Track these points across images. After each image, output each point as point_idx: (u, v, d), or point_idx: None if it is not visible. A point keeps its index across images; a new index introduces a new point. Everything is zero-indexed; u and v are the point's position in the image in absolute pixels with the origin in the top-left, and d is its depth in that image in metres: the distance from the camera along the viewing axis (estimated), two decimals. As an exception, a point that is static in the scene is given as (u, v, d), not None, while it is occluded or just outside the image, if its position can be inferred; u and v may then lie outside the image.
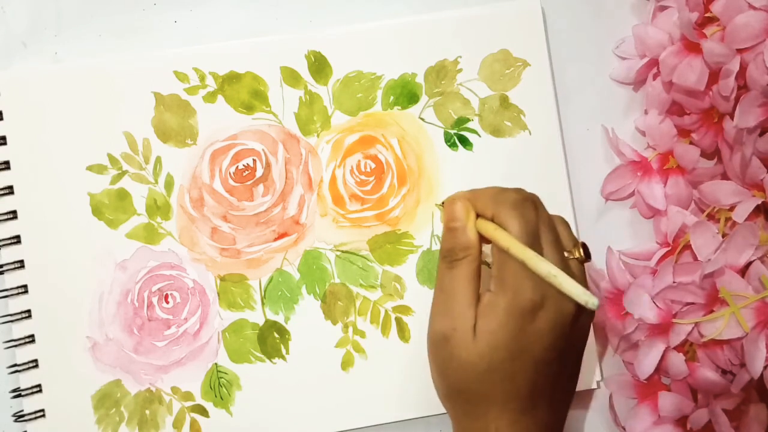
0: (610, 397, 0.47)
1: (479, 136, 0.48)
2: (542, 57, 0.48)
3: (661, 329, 0.43)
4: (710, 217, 0.45)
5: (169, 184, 0.48)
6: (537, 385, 0.37)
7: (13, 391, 0.46)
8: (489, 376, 0.37)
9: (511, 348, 0.36)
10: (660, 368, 0.44)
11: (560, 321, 0.37)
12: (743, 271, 0.41)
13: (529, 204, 0.39)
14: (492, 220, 0.39)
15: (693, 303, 0.41)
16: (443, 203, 0.42)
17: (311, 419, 0.47)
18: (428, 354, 0.40)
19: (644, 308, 0.42)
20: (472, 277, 0.38)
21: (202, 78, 0.48)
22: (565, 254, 0.39)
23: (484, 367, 0.36)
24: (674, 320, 0.42)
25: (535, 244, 0.37)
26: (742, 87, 0.42)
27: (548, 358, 0.37)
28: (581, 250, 0.39)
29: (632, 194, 0.48)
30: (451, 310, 0.38)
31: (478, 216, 0.40)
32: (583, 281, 0.39)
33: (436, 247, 0.48)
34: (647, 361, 0.43)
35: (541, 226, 0.39)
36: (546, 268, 0.35)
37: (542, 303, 0.36)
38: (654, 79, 0.47)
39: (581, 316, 0.38)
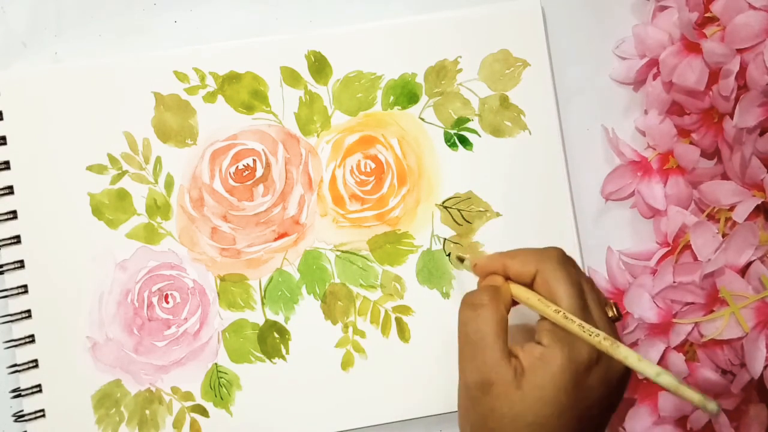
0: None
1: (479, 136, 0.48)
2: (542, 57, 0.48)
3: (661, 329, 0.43)
4: (710, 217, 0.45)
5: (169, 184, 0.48)
6: None
7: (13, 391, 0.46)
8: (531, 429, 0.35)
9: (561, 403, 0.35)
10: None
11: (610, 378, 0.36)
12: (743, 271, 0.41)
13: (570, 263, 0.38)
14: (533, 279, 0.38)
15: (693, 303, 0.41)
16: (460, 259, 0.42)
17: (311, 419, 0.47)
18: (460, 406, 0.39)
19: (644, 308, 0.42)
20: (501, 324, 0.37)
21: (202, 78, 0.48)
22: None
23: (528, 421, 0.35)
24: (674, 320, 0.42)
25: (584, 305, 0.37)
26: (742, 87, 0.42)
27: (592, 414, 0.36)
28: (614, 309, 0.39)
29: (632, 194, 0.48)
30: (485, 362, 0.36)
31: (509, 279, 0.39)
32: (619, 340, 0.38)
33: (436, 246, 0.48)
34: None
35: (584, 284, 0.38)
36: (650, 369, 0.33)
37: (597, 360, 0.36)
38: (654, 79, 0.47)
39: (625, 377, 0.37)
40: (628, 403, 0.46)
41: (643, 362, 0.33)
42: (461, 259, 0.44)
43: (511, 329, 0.39)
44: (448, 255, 0.47)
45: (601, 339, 0.34)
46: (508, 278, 0.39)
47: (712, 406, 0.30)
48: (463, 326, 0.38)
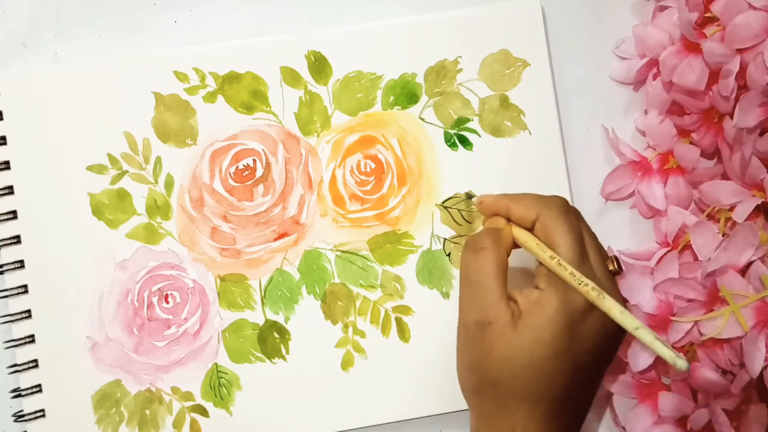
0: (610, 397, 0.47)
1: (479, 136, 0.48)
2: (542, 57, 0.48)
3: (660, 325, 0.43)
4: (710, 217, 0.45)
5: (169, 184, 0.48)
6: (570, 387, 0.37)
7: (13, 391, 0.46)
8: (527, 372, 0.36)
9: (555, 346, 0.36)
10: (660, 368, 0.44)
11: (605, 328, 0.37)
12: (743, 271, 0.41)
13: (572, 212, 0.39)
14: (533, 224, 0.39)
15: (693, 300, 0.41)
16: (469, 196, 0.42)
17: (311, 419, 0.47)
18: (458, 345, 0.39)
19: (644, 297, 0.42)
20: (501, 267, 0.38)
21: (202, 78, 0.48)
22: None
23: (524, 362, 0.36)
24: (673, 318, 0.42)
25: (582, 253, 0.37)
26: (742, 87, 0.42)
27: (586, 362, 0.37)
28: (615, 263, 0.39)
29: (632, 194, 0.48)
30: (483, 302, 0.38)
31: (511, 221, 0.40)
32: (618, 294, 0.39)
33: (436, 246, 0.48)
34: (643, 355, 0.43)
35: (585, 234, 0.39)
36: (631, 322, 0.34)
37: (592, 307, 0.36)
38: (654, 79, 0.47)
39: (622, 329, 0.38)
40: (628, 403, 0.46)
41: (624, 315, 0.34)
42: (470, 197, 0.45)
43: (512, 272, 0.40)
44: (449, 255, 0.47)
45: (589, 289, 0.35)
46: (510, 221, 0.40)
47: (681, 363, 0.32)
48: (464, 268, 0.39)
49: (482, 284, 0.38)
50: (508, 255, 0.40)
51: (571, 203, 0.48)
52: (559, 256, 0.37)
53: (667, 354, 0.32)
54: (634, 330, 0.34)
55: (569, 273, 0.36)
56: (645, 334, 0.33)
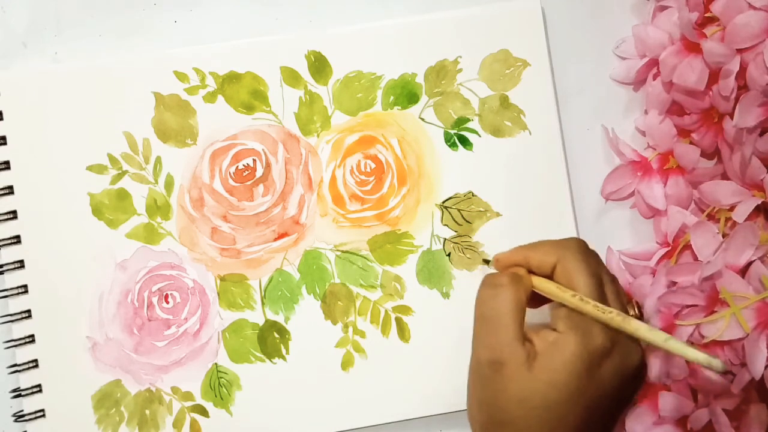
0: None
1: (479, 136, 0.48)
2: (542, 57, 0.48)
3: (664, 330, 0.43)
4: (710, 217, 0.45)
5: (169, 184, 0.48)
6: (582, 430, 0.36)
7: (13, 391, 0.46)
8: (540, 413, 0.35)
9: (571, 389, 0.35)
10: (660, 368, 0.44)
11: (624, 371, 0.36)
12: (743, 272, 0.41)
13: (592, 255, 0.38)
14: (553, 270, 0.38)
15: (694, 305, 0.41)
16: (485, 261, 0.43)
17: (311, 419, 0.47)
18: (470, 381, 0.39)
19: (650, 312, 0.42)
20: (518, 306, 0.37)
21: (202, 78, 0.48)
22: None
23: (536, 403, 0.35)
24: (676, 322, 0.42)
25: (603, 298, 0.37)
26: (742, 87, 0.42)
27: (603, 406, 0.36)
28: (636, 308, 0.39)
29: (632, 194, 0.48)
30: (498, 341, 0.37)
31: (532, 272, 0.39)
32: (636, 338, 0.38)
33: (436, 246, 0.48)
34: (652, 363, 0.42)
35: (604, 276, 0.38)
36: (659, 336, 0.34)
37: (611, 350, 0.36)
38: (654, 79, 0.47)
39: (640, 373, 0.37)
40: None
41: (652, 331, 0.34)
42: (487, 261, 0.45)
43: (529, 323, 0.39)
44: (449, 255, 0.47)
45: (614, 315, 0.35)
46: (530, 271, 0.40)
47: (717, 363, 0.32)
48: (480, 304, 0.38)
49: (498, 322, 0.37)
50: (527, 299, 0.39)
51: (570, 204, 0.48)
52: (580, 294, 0.37)
53: (702, 358, 0.32)
54: (664, 342, 0.34)
55: (592, 306, 0.36)
56: (675, 344, 0.33)
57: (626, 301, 0.39)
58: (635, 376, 0.37)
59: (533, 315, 0.39)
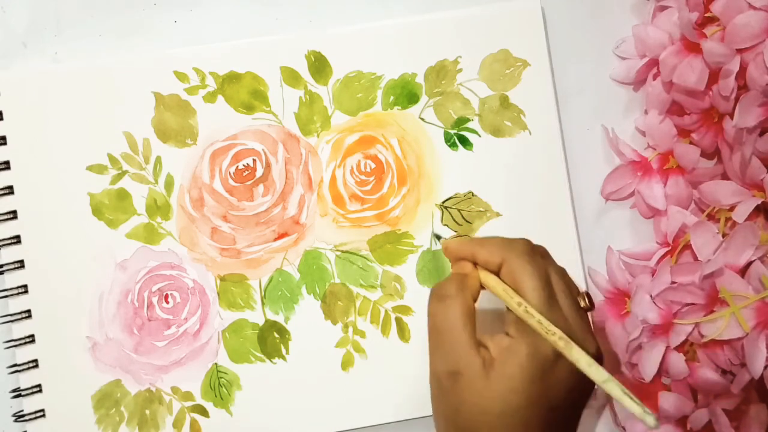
0: (610, 397, 0.47)
1: (479, 136, 0.48)
2: (542, 57, 0.48)
3: (662, 329, 0.43)
4: (710, 217, 0.45)
5: (169, 184, 0.48)
6: (550, 430, 0.36)
7: (13, 391, 0.46)
8: (502, 420, 0.35)
9: (529, 393, 0.35)
10: (660, 368, 0.44)
11: (579, 370, 0.36)
12: (743, 271, 0.41)
13: (538, 253, 0.38)
14: (499, 269, 0.38)
15: (693, 304, 0.41)
16: (437, 237, 0.42)
17: (311, 419, 0.47)
18: (432, 396, 0.39)
19: (645, 309, 0.42)
20: (468, 314, 0.37)
21: (202, 78, 0.48)
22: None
23: (497, 411, 0.35)
24: (675, 321, 0.42)
25: (550, 296, 0.37)
26: (742, 87, 0.42)
27: (561, 406, 0.36)
28: (586, 300, 0.39)
29: (632, 194, 0.48)
30: (452, 352, 0.37)
31: (477, 266, 0.40)
32: (590, 332, 0.38)
33: (436, 247, 0.48)
34: (650, 362, 0.42)
35: (552, 275, 0.38)
36: (599, 375, 0.33)
37: None
38: (654, 79, 0.47)
39: (599, 360, 0.37)
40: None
41: (592, 367, 0.34)
42: (438, 237, 0.46)
43: (483, 314, 0.39)
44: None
45: (556, 338, 0.35)
46: (477, 264, 0.40)
47: (650, 419, 0.31)
48: (431, 317, 0.38)
49: (450, 333, 0.37)
50: (475, 300, 0.39)
51: (570, 204, 0.48)
52: (527, 301, 0.36)
53: (636, 410, 0.32)
54: (602, 383, 0.33)
55: (537, 321, 0.36)
56: (613, 387, 0.33)
57: (576, 294, 0.39)
58: None
59: (484, 299, 0.40)
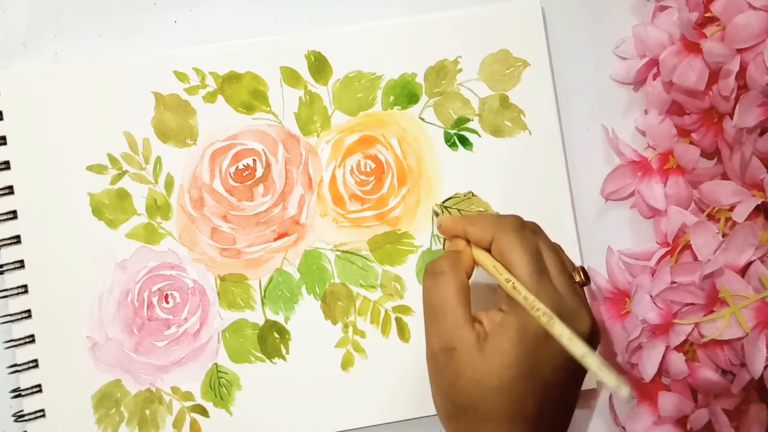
0: (610, 397, 0.47)
1: (479, 136, 0.48)
2: (542, 57, 0.48)
3: (662, 329, 0.43)
4: (710, 217, 0.45)
5: (169, 184, 0.48)
6: (544, 406, 0.37)
7: (13, 391, 0.46)
8: (498, 394, 0.36)
9: (523, 367, 0.36)
10: (660, 368, 0.44)
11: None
12: (743, 271, 0.41)
13: (528, 229, 0.39)
14: (490, 245, 0.39)
15: (693, 304, 0.41)
16: (435, 213, 0.42)
17: (311, 419, 0.47)
18: (429, 372, 0.39)
19: (645, 309, 0.42)
20: (462, 290, 0.38)
21: (202, 78, 0.48)
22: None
23: (493, 385, 0.36)
24: (675, 321, 0.42)
25: (541, 270, 0.37)
26: (742, 87, 0.42)
27: (557, 379, 0.37)
28: (581, 274, 0.39)
29: (632, 194, 0.48)
30: (446, 327, 0.37)
31: (470, 244, 0.40)
32: (585, 305, 0.38)
33: (437, 247, 0.48)
34: (650, 362, 0.42)
35: (543, 250, 0.39)
36: (579, 349, 0.34)
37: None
38: (654, 79, 0.47)
39: (595, 333, 0.38)
40: (629, 403, 0.46)
41: (572, 342, 0.34)
42: (436, 213, 0.46)
43: (479, 289, 0.40)
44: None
45: (540, 314, 0.35)
46: (470, 242, 0.40)
47: (624, 390, 0.31)
48: (426, 294, 0.39)
49: (444, 309, 0.38)
50: (469, 277, 0.39)
51: (570, 204, 0.48)
52: (516, 276, 0.37)
53: (611, 381, 0.32)
54: (581, 357, 0.34)
55: (522, 297, 0.36)
56: (592, 360, 0.33)
57: (572, 269, 0.40)
58: (587, 340, 0.37)
59: (480, 275, 0.40)
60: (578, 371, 0.38)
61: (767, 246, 0.40)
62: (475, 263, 0.40)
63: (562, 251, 0.41)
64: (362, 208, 0.48)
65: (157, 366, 0.47)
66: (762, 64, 0.40)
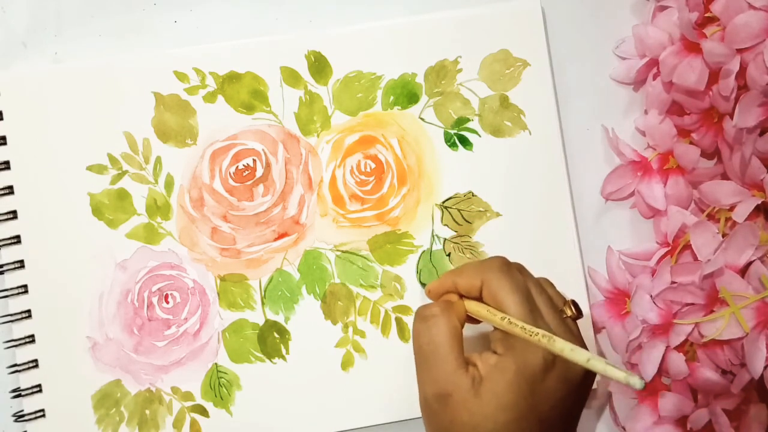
0: (610, 397, 0.47)
1: (479, 136, 0.48)
2: (542, 57, 0.48)
3: (662, 329, 0.43)
4: (710, 217, 0.45)
5: (169, 184, 0.48)
6: None
7: (13, 391, 0.46)
8: None
9: (520, 408, 0.36)
10: (660, 368, 0.44)
11: (570, 376, 0.37)
12: (743, 271, 0.41)
13: (515, 269, 0.39)
14: (480, 290, 0.39)
15: (693, 304, 0.41)
16: (422, 284, 0.44)
17: (311, 419, 0.47)
18: (423, 419, 0.39)
19: (645, 309, 0.42)
20: (454, 334, 0.38)
21: (202, 78, 0.48)
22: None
23: (489, 428, 0.36)
24: (675, 321, 0.42)
25: (533, 309, 0.37)
26: (742, 87, 0.42)
27: (554, 417, 0.37)
28: (572, 308, 0.39)
29: (632, 194, 0.48)
30: (439, 373, 0.37)
31: (463, 296, 0.40)
32: (579, 339, 0.38)
33: (437, 247, 0.48)
34: (650, 362, 0.42)
35: (532, 288, 0.39)
36: (582, 356, 0.34)
37: (553, 362, 0.36)
38: (654, 79, 0.47)
39: (588, 375, 0.38)
40: (629, 403, 0.46)
41: (575, 351, 0.34)
42: (423, 284, 0.46)
43: (473, 339, 0.40)
44: (449, 255, 0.47)
45: (539, 337, 0.35)
46: (462, 296, 0.40)
47: (636, 381, 0.31)
48: (416, 339, 0.38)
49: (436, 354, 0.37)
50: (462, 325, 0.39)
51: (570, 204, 0.48)
52: (510, 315, 0.37)
53: (621, 376, 0.32)
54: (586, 362, 0.33)
55: (520, 327, 0.36)
56: (597, 363, 0.33)
57: (562, 304, 0.40)
58: (579, 383, 0.37)
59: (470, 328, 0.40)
60: (575, 406, 0.38)
61: (767, 246, 0.40)
62: (467, 315, 0.40)
63: (550, 285, 0.41)
64: (362, 208, 0.48)
65: (157, 366, 0.47)
66: (762, 64, 0.40)
